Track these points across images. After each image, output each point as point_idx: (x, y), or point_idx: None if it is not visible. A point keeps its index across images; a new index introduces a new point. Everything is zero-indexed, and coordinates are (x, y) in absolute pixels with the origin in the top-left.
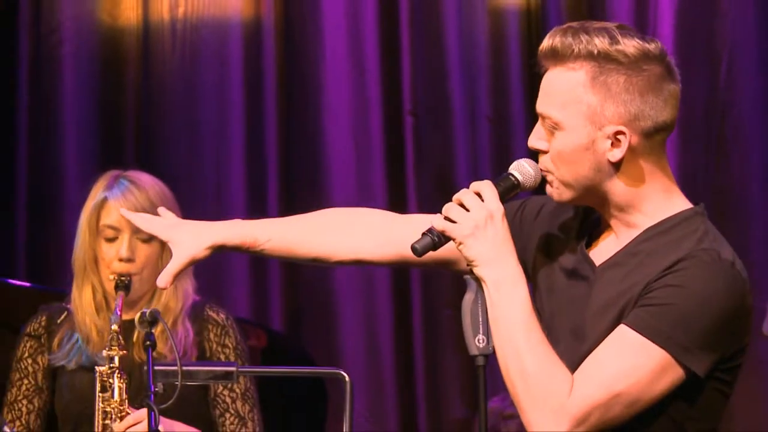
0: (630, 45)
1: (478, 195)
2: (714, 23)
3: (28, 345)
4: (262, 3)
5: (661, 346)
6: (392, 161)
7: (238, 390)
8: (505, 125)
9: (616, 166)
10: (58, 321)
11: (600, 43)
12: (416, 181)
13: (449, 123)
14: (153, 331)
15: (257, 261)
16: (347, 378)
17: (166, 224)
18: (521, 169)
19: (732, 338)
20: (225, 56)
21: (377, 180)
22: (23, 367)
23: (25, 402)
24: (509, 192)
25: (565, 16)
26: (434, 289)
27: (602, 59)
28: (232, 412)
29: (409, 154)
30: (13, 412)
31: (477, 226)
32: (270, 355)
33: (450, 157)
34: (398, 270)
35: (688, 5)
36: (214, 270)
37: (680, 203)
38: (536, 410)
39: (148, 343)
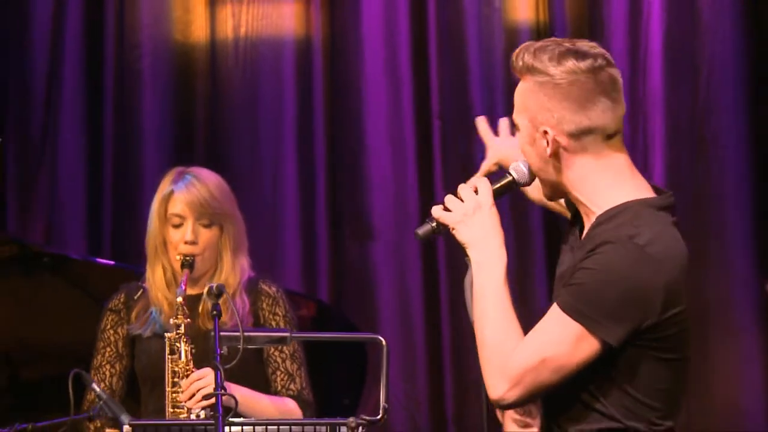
0: (562, 63)
1: (475, 189)
2: (696, 42)
3: (109, 318)
4: (312, 23)
5: (575, 320)
6: (422, 158)
7: (287, 351)
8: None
9: (559, 161)
10: (135, 297)
11: (538, 61)
12: (443, 175)
13: (471, 126)
14: (218, 302)
15: (308, 243)
16: (384, 342)
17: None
18: (517, 168)
19: (644, 311)
20: (280, 69)
21: (410, 173)
22: (106, 337)
23: (108, 367)
24: (506, 188)
25: (569, 34)
26: (458, 265)
27: (539, 74)
28: (282, 370)
29: (437, 152)
30: (98, 375)
31: (466, 214)
32: (318, 323)
33: (472, 156)
34: (427, 250)
35: (674, 27)
36: (272, 251)
37: (625, 195)
38: (487, 374)
39: (215, 312)
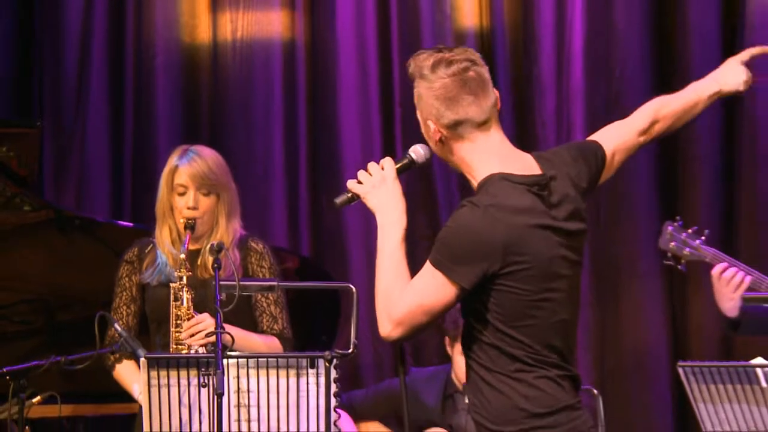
0: (435, 71)
1: (382, 167)
2: (610, 46)
3: (125, 268)
4: (296, 28)
5: (435, 268)
6: (386, 139)
7: (272, 298)
8: None
9: (445, 146)
10: (146, 251)
11: (419, 69)
12: (403, 152)
13: None
14: (219, 257)
15: (293, 208)
16: (354, 290)
17: None
18: (415, 150)
19: (487, 259)
20: (270, 66)
21: (376, 151)
22: (122, 283)
23: (125, 308)
24: (406, 166)
25: (508, 37)
26: (412, 226)
27: (421, 79)
28: (268, 313)
29: (398, 133)
30: (117, 315)
31: (373, 186)
32: (300, 274)
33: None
34: None
35: (593, 33)
36: (262, 215)
37: (491, 169)
38: (378, 316)
39: (216, 265)
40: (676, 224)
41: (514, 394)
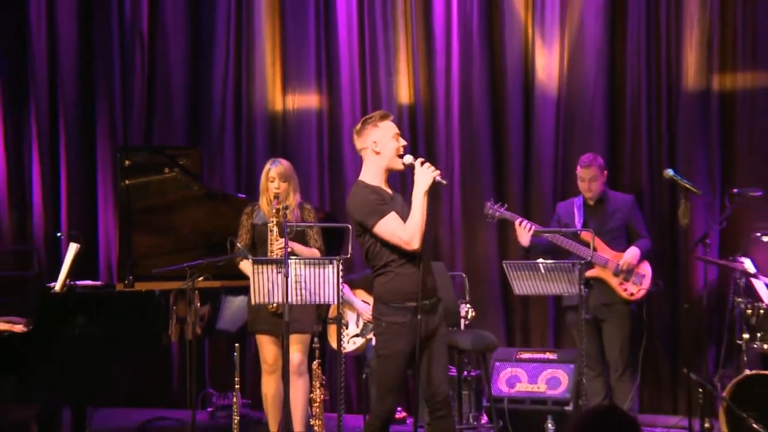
0: (363, 122)
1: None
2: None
3: (244, 216)
4: (323, 104)
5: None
6: None
7: (315, 230)
8: None
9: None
10: (254, 208)
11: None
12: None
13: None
14: (287, 211)
15: (321, 189)
16: (350, 227)
17: None
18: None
19: (371, 213)
20: (310, 126)
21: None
22: (243, 224)
23: (243, 236)
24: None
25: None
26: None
27: (360, 127)
28: (311, 236)
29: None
30: (239, 239)
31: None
32: (325, 220)
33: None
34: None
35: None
36: (308, 191)
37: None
38: (416, 235)
39: (285, 215)
40: (491, 201)
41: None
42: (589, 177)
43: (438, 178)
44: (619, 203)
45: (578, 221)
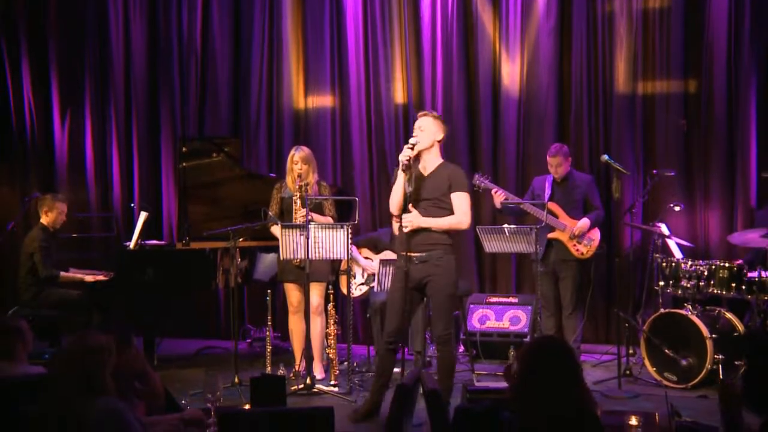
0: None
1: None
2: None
3: (275, 191)
4: (336, 103)
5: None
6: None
7: (330, 202)
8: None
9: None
10: (282, 185)
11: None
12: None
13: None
14: (307, 188)
15: (336, 173)
16: (357, 200)
17: None
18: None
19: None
20: (325, 122)
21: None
22: (274, 196)
23: (275, 207)
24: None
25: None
26: None
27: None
28: (327, 207)
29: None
30: (270, 209)
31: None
32: (338, 194)
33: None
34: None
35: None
36: (323, 173)
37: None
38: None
39: (305, 190)
40: (479, 174)
41: None
42: (555, 163)
43: (402, 156)
44: (579, 181)
45: (547, 194)
